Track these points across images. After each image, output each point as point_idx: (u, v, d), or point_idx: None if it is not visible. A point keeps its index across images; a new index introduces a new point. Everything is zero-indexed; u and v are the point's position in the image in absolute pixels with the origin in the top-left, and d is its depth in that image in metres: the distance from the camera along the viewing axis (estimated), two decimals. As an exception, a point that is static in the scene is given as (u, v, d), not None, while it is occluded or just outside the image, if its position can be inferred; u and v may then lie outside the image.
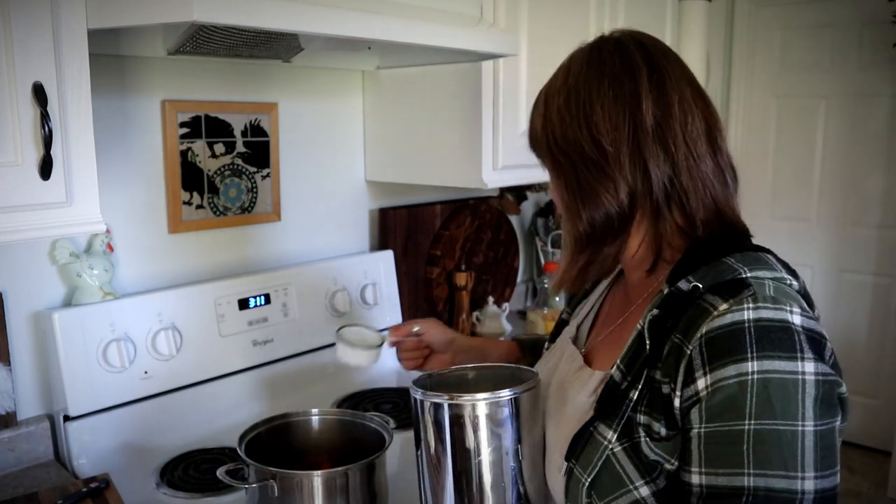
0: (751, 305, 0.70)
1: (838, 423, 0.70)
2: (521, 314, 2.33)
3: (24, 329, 1.34)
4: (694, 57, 2.38)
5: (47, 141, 0.93)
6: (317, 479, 1.01)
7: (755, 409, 0.67)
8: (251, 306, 1.56)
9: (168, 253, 1.53)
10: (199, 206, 1.55)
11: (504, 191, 2.32)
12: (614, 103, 0.80)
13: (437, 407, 0.83)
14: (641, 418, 0.75)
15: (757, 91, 3.40)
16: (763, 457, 0.67)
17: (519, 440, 0.83)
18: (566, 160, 0.83)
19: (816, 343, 0.70)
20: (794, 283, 0.76)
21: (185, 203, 1.53)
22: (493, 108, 1.62)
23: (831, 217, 3.27)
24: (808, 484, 0.66)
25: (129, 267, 1.47)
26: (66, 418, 1.31)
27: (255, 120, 1.62)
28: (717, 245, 0.79)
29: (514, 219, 2.39)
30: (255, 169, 1.64)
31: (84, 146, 0.99)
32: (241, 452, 1.04)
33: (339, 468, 1.02)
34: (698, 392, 0.70)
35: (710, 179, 0.81)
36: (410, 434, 1.44)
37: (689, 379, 0.71)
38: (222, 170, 1.58)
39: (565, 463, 0.81)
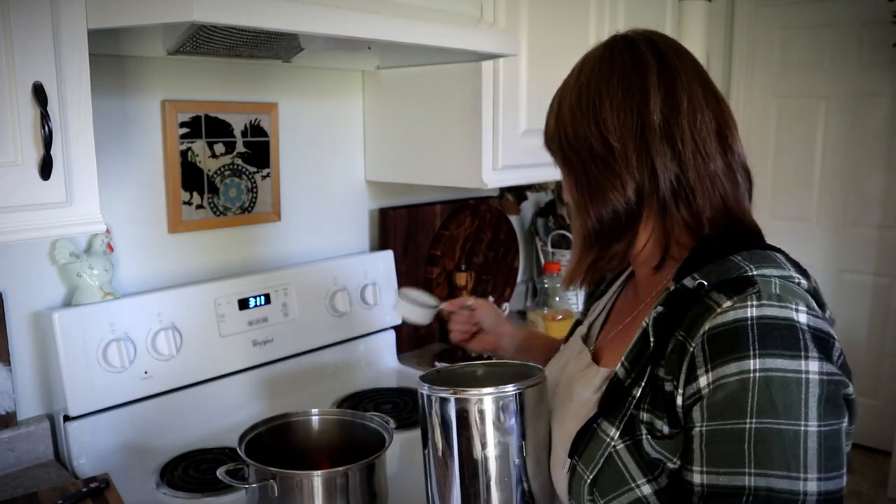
0: (754, 303, 0.69)
1: (844, 424, 0.69)
2: (521, 314, 2.33)
3: (24, 329, 1.34)
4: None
5: (47, 141, 0.93)
6: (317, 479, 1.01)
7: (756, 407, 0.66)
8: (251, 306, 1.56)
9: (168, 253, 1.53)
10: (199, 206, 1.55)
11: (504, 191, 2.32)
12: (623, 101, 0.81)
13: (444, 401, 0.84)
14: (644, 416, 0.75)
15: (757, 91, 3.40)
16: (764, 456, 0.66)
17: (524, 436, 0.84)
18: (576, 157, 0.84)
19: (823, 342, 0.69)
20: (803, 282, 0.75)
21: (185, 203, 1.53)
22: (493, 108, 1.62)
23: (831, 217, 3.27)
24: (811, 485, 0.66)
25: (129, 267, 1.47)
26: (66, 418, 1.31)
27: (255, 120, 1.62)
28: (725, 243, 0.78)
29: (514, 219, 2.39)
30: (255, 169, 1.64)
31: (84, 146, 0.99)
32: (241, 452, 1.05)
33: (339, 468, 1.02)
34: (700, 390, 0.70)
35: (719, 178, 0.80)
36: (410, 434, 1.45)
37: (692, 376, 0.71)
38: (222, 170, 1.58)
39: (568, 460, 0.81)
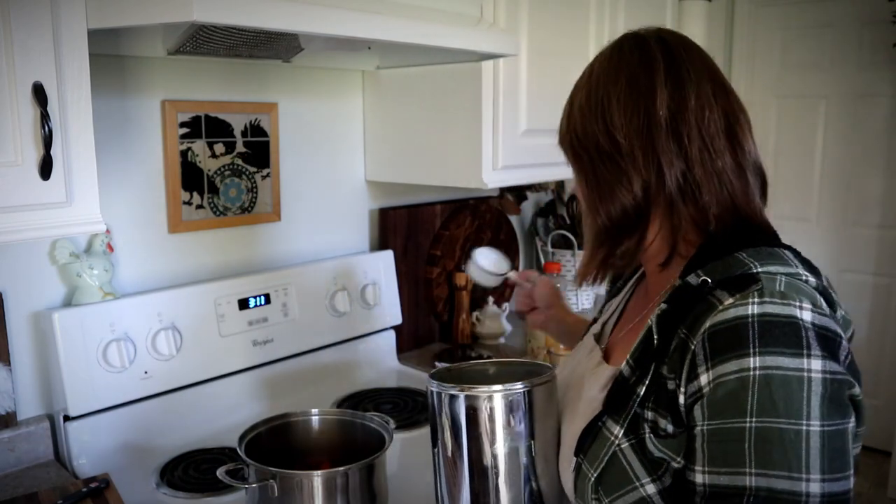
0: (756, 300, 0.69)
1: (850, 425, 0.67)
2: (521, 314, 2.32)
3: (24, 329, 1.34)
4: (694, 57, 2.37)
5: (47, 141, 0.93)
6: (317, 479, 1.01)
7: (757, 406, 0.66)
8: (251, 306, 1.56)
9: (168, 253, 1.53)
10: (199, 206, 1.55)
11: (504, 191, 2.32)
12: (629, 98, 0.80)
13: (453, 398, 0.85)
14: (648, 414, 0.75)
15: (757, 91, 3.40)
16: (765, 456, 0.66)
17: (533, 434, 0.84)
18: (585, 155, 0.85)
19: (828, 341, 0.68)
20: (811, 279, 0.73)
21: (185, 203, 1.53)
22: (493, 108, 1.62)
23: (831, 217, 3.27)
24: (814, 486, 0.64)
25: (129, 267, 1.47)
26: (66, 418, 1.31)
27: (255, 120, 1.62)
28: (733, 240, 0.78)
29: (514, 219, 2.39)
30: (255, 169, 1.64)
31: (84, 146, 0.99)
32: (241, 452, 1.05)
33: (339, 468, 1.02)
34: (701, 388, 0.70)
35: (727, 175, 0.80)
36: (410, 434, 1.45)
37: (693, 375, 0.71)
38: (222, 170, 1.58)
39: (574, 458, 0.81)
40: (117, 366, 1.33)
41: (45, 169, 0.94)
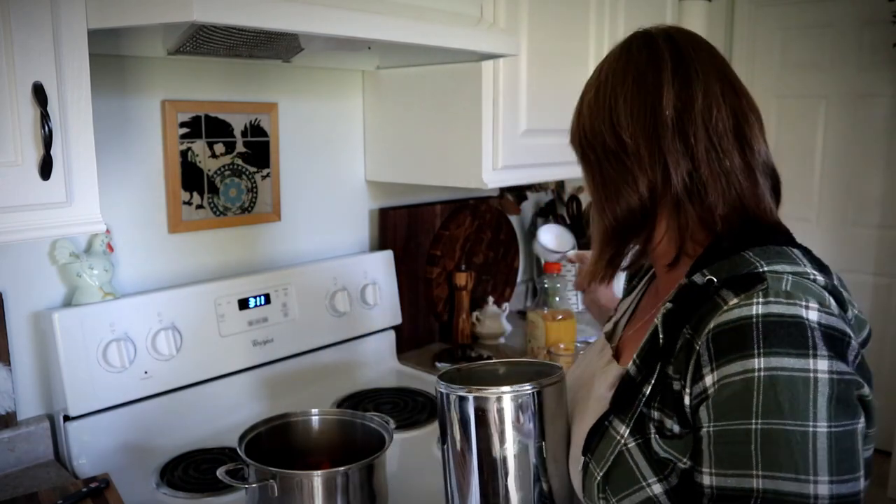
0: (760, 300, 0.68)
1: (860, 425, 0.67)
2: (521, 314, 2.33)
3: (24, 329, 1.34)
4: (694, 57, 2.37)
5: (47, 141, 0.93)
6: (317, 479, 1.01)
7: (762, 407, 0.65)
8: (251, 306, 1.56)
9: (168, 253, 1.53)
10: (199, 206, 1.55)
11: (504, 191, 2.32)
12: (636, 97, 0.80)
13: (462, 400, 0.85)
14: (654, 414, 0.75)
15: (757, 91, 3.32)
16: (772, 458, 0.65)
17: (542, 435, 0.84)
18: (593, 154, 0.85)
19: (836, 341, 0.67)
20: (820, 278, 0.72)
21: (185, 203, 1.53)
22: (493, 108, 1.62)
23: (831, 217, 3.27)
24: (822, 488, 0.64)
25: (129, 267, 1.47)
26: (66, 418, 1.31)
27: (255, 120, 1.62)
28: (740, 240, 0.77)
29: (514, 219, 2.39)
30: (255, 169, 1.64)
31: (84, 146, 0.99)
32: (241, 452, 1.05)
33: (339, 468, 1.02)
34: (706, 389, 0.69)
35: (735, 176, 0.79)
36: (410, 434, 1.45)
37: (698, 375, 0.70)
38: (222, 170, 1.58)
39: (582, 457, 0.81)
40: (117, 366, 1.33)
41: (45, 169, 0.94)
